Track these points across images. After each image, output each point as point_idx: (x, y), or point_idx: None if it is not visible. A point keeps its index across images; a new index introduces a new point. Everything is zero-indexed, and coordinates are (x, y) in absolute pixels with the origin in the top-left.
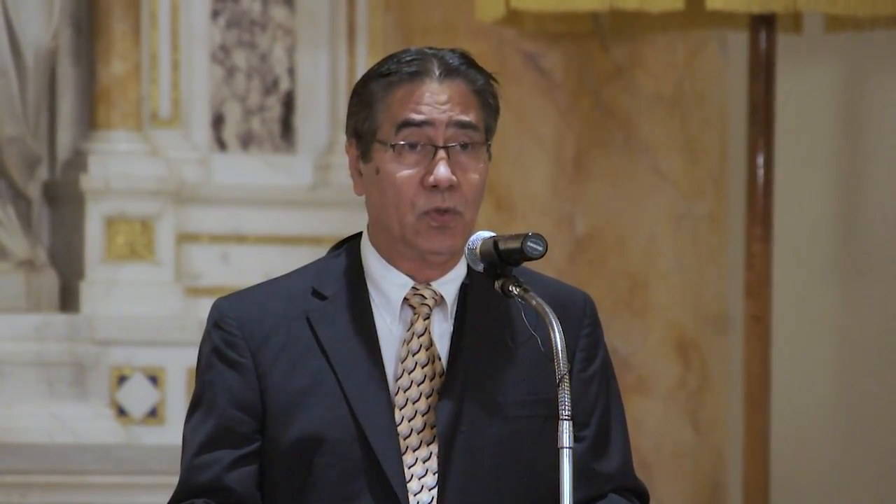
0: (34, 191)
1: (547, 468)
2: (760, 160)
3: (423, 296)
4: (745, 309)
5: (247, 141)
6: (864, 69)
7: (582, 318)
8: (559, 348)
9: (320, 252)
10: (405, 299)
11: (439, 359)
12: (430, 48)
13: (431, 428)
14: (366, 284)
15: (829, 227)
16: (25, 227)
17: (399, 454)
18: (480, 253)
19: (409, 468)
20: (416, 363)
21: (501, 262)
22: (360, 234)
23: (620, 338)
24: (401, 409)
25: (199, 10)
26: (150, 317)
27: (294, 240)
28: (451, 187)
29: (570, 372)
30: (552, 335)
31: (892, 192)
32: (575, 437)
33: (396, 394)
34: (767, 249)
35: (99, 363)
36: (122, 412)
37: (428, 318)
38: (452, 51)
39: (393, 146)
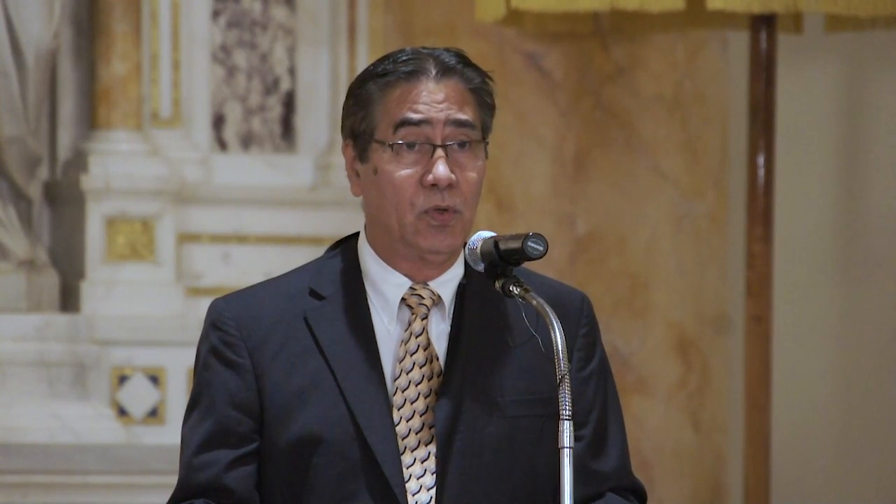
0: (35, 191)
1: (545, 468)
2: (761, 160)
3: (420, 296)
4: (745, 309)
5: (247, 141)
6: (864, 69)
7: (579, 318)
8: (560, 348)
9: (321, 252)
10: (403, 299)
11: (437, 359)
12: (426, 48)
13: (430, 428)
14: (363, 285)
15: (829, 227)
16: (26, 227)
17: (397, 454)
18: (481, 253)
19: (408, 468)
20: (414, 363)
21: (502, 261)
22: (357, 234)
23: (621, 338)
24: (399, 410)
25: (199, 10)
26: (150, 317)
27: (295, 240)
28: (450, 186)
29: (569, 371)
30: (553, 335)
31: (893, 192)
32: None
33: (394, 394)
34: (768, 250)
35: (100, 363)
36: (122, 412)
37: (426, 318)
38: (448, 50)
39: (391, 146)
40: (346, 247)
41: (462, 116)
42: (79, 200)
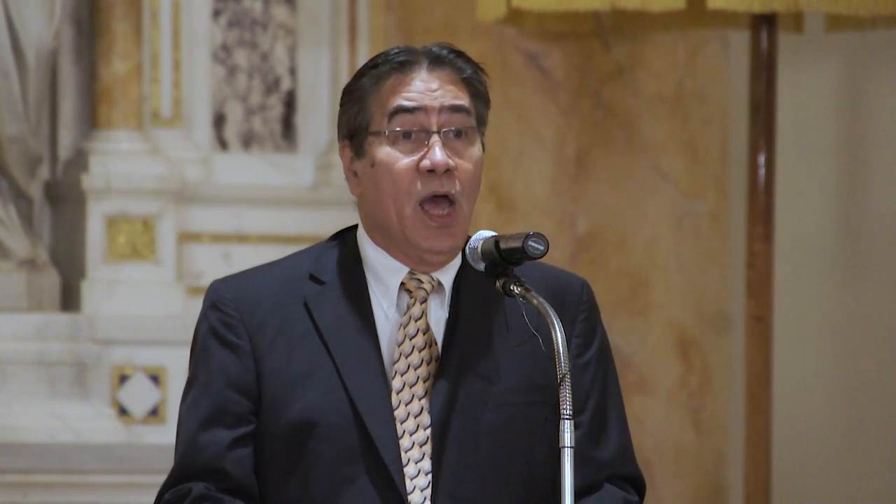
0: (35, 190)
1: (543, 454)
2: (762, 159)
3: (419, 280)
4: (746, 308)
5: (248, 140)
6: (865, 68)
7: (578, 304)
8: (561, 348)
9: None
10: (402, 284)
11: (436, 343)
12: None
13: (428, 412)
14: (363, 271)
15: (830, 226)
16: (27, 226)
17: (396, 438)
18: (481, 252)
19: (406, 452)
20: (414, 347)
21: (503, 261)
22: (356, 226)
23: (622, 337)
24: (398, 394)
25: (200, 10)
26: (151, 316)
27: (295, 239)
28: (448, 171)
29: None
30: (554, 335)
31: (893, 191)
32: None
33: (393, 378)
34: (769, 249)
35: (100, 363)
36: (123, 411)
37: (425, 301)
38: (439, 44)
39: (387, 134)
40: (345, 236)
41: (457, 102)
42: (79, 200)
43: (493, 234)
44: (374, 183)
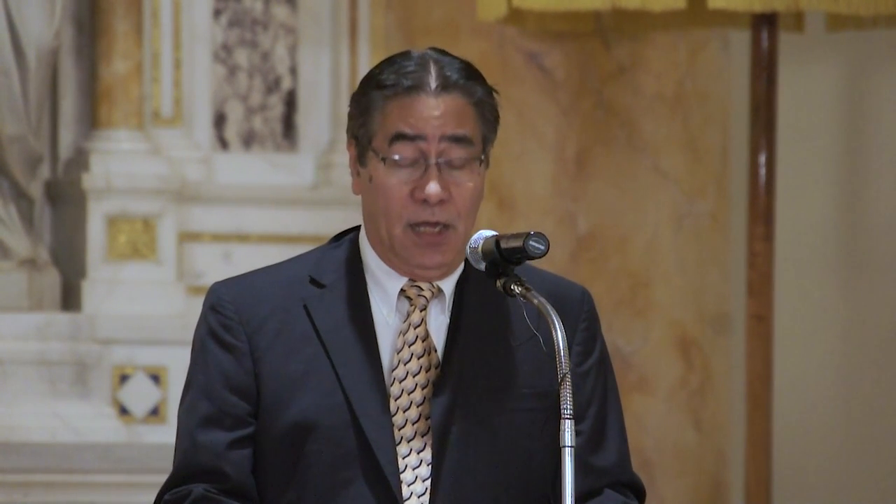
0: (36, 190)
1: (543, 461)
2: (762, 159)
3: (419, 287)
4: (746, 308)
5: (249, 140)
6: (866, 68)
7: (579, 313)
8: (561, 348)
9: None
10: (402, 290)
11: (435, 351)
12: (434, 51)
13: (426, 419)
14: (364, 275)
15: (831, 225)
16: (27, 226)
17: (393, 442)
18: (482, 252)
19: (404, 458)
20: (412, 354)
21: (503, 260)
22: (359, 227)
23: (622, 337)
24: (396, 400)
25: (200, 9)
26: (152, 316)
27: (296, 238)
28: (442, 202)
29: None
30: (554, 335)
31: (894, 190)
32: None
33: (392, 384)
34: (769, 248)
35: (101, 362)
36: (123, 411)
37: (424, 309)
38: (453, 59)
39: (385, 160)
40: (348, 238)
41: (458, 132)
42: (80, 199)
43: (494, 233)
44: (371, 197)
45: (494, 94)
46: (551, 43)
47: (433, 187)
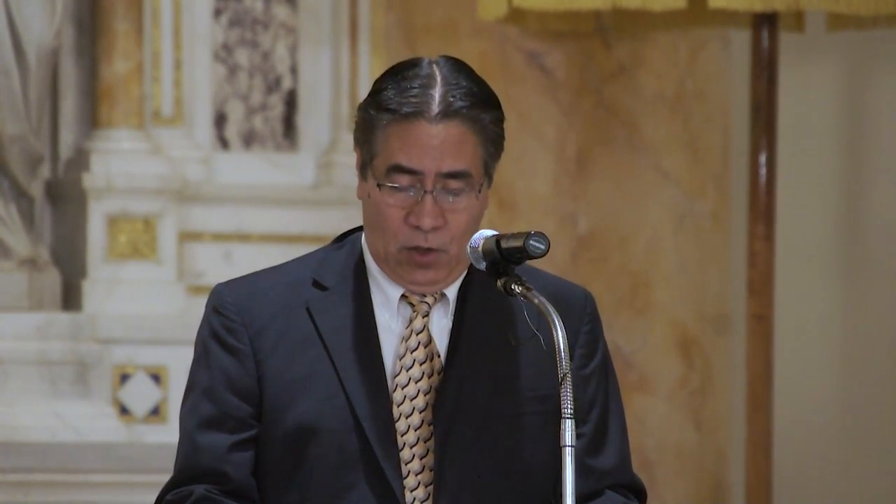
0: (37, 189)
1: (545, 464)
2: (763, 159)
3: (422, 293)
4: (747, 308)
5: (249, 139)
6: (866, 68)
7: (582, 315)
8: (561, 347)
9: None
10: (404, 296)
11: (438, 356)
12: (445, 62)
13: (429, 425)
14: (367, 278)
15: (831, 225)
16: (28, 225)
17: (395, 449)
18: (483, 251)
19: (407, 464)
20: (414, 360)
21: (504, 260)
22: (362, 227)
23: (623, 337)
24: (398, 406)
25: (201, 9)
26: (152, 315)
27: (297, 238)
28: (436, 228)
29: (570, 370)
30: (554, 334)
31: (895, 190)
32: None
33: (394, 391)
34: (770, 248)
35: (101, 362)
36: (124, 411)
37: (427, 315)
38: (461, 77)
39: (381, 187)
40: (350, 240)
41: (455, 168)
42: (80, 199)
43: (495, 233)
44: (368, 213)
45: (501, 118)
46: (552, 42)
47: (427, 218)
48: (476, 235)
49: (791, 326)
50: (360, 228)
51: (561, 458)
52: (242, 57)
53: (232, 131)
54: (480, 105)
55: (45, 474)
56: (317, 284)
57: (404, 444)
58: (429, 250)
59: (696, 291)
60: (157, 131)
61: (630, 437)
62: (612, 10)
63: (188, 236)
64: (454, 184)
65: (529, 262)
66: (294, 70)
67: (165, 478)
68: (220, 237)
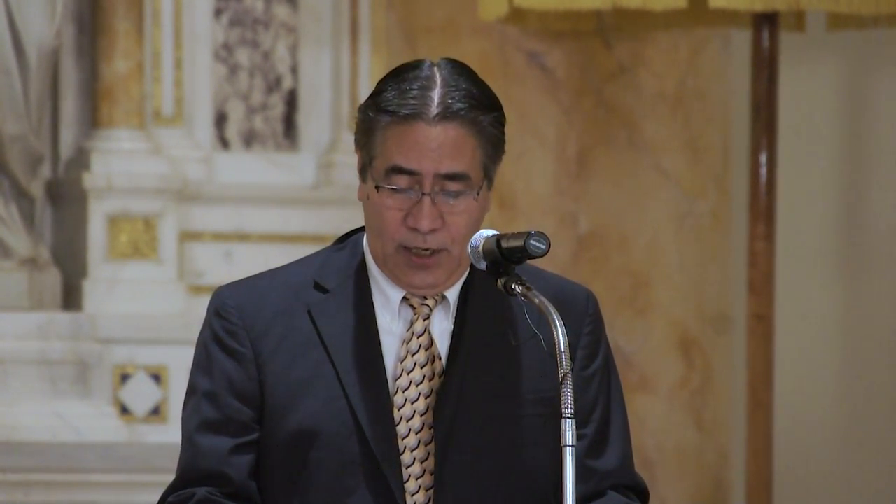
0: (37, 189)
1: (547, 467)
2: (763, 158)
3: (423, 296)
4: (747, 307)
5: (250, 139)
6: (866, 67)
7: (584, 316)
8: (562, 347)
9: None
10: (405, 298)
11: (439, 358)
12: (447, 64)
13: (430, 428)
14: (368, 280)
15: (832, 225)
16: (28, 225)
17: (397, 453)
18: (483, 251)
19: (407, 468)
20: (416, 363)
21: (504, 260)
22: (363, 228)
23: (623, 336)
24: (399, 409)
25: (201, 9)
26: (152, 315)
27: (297, 238)
28: (434, 230)
29: (572, 370)
30: (555, 333)
31: (895, 189)
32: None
33: (395, 394)
34: (770, 248)
35: (102, 361)
36: (124, 410)
37: (428, 318)
38: (461, 79)
39: (379, 189)
40: (352, 241)
41: (453, 169)
42: (81, 199)
43: (495, 232)
44: (368, 213)
45: (501, 120)
46: (552, 42)
47: (425, 219)
48: (476, 235)
49: (791, 326)
50: (361, 229)
51: (561, 459)
52: (243, 57)
53: (232, 131)
54: (479, 107)
55: (45, 474)
56: (318, 287)
57: (405, 447)
58: (428, 253)
59: (697, 291)
60: (157, 131)
61: (631, 437)
62: (612, 9)
63: (188, 236)
64: (452, 185)
65: (530, 262)
66: (294, 70)
67: (166, 478)
68: (220, 237)
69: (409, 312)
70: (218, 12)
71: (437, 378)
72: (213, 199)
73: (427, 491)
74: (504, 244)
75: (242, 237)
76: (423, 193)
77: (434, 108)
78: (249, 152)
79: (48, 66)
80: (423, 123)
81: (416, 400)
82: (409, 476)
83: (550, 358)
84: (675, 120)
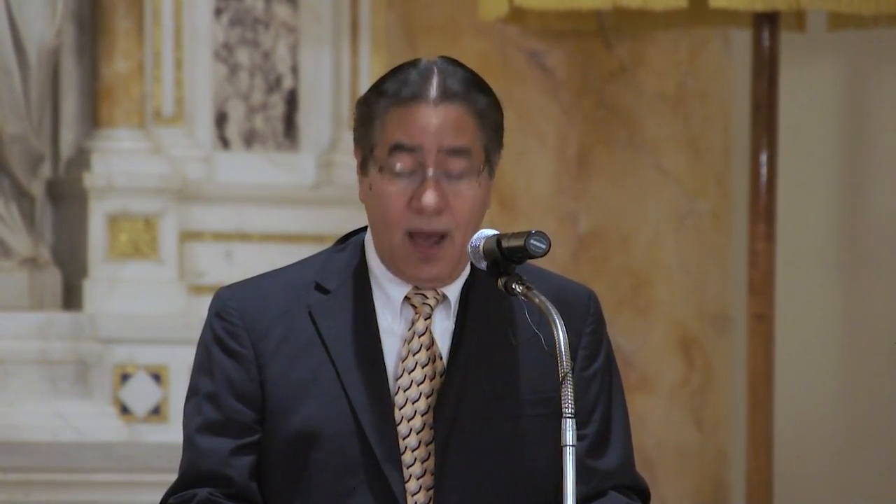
0: (37, 189)
1: (547, 467)
2: (763, 158)
3: (424, 295)
4: (748, 307)
5: (250, 139)
6: (867, 67)
7: (585, 316)
8: (562, 347)
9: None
10: (406, 297)
11: (440, 358)
12: (442, 59)
13: (431, 428)
14: (369, 281)
15: (832, 224)
16: (29, 225)
17: (398, 453)
18: (483, 251)
19: (408, 468)
20: (417, 363)
21: (505, 260)
22: (365, 228)
23: (623, 336)
24: (400, 409)
25: (202, 8)
26: (153, 315)
27: (298, 238)
28: (439, 211)
29: (573, 370)
30: (555, 333)
31: (895, 189)
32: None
33: (396, 393)
34: (771, 247)
35: (102, 361)
36: (125, 410)
37: (429, 317)
38: (458, 69)
39: (383, 169)
40: (353, 241)
41: (456, 144)
42: (81, 198)
43: (495, 232)
44: (371, 206)
45: (499, 106)
46: (552, 42)
47: (429, 197)
48: (477, 235)
49: (792, 325)
50: (362, 230)
51: (562, 459)
52: (243, 56)
53: (233, 131)
54: (477, 89)
55: (45, 474)
56: (319, 287)
57: (406, 447)
58: (434, 240)
59: (697, 291)
60: (157, 131)
61: (632, 437)
62: (612, 9)
63: (189, 236)
64: (456, 163)
65: (530, 262)
66: (295, 69)
67: (166, 477)
68: (220, 236)
69: (410, 312)
70: (218, 12)
71: (437, 377)
72: (214, 198)
73: (428, 491)
74: (504, 244)
75: (243, 237)
76: (427, 172)
77: (434, 91)
78: (250, 152)
79: (48, 65)
80: (424, 104)
81: (418, 399)
82: (410, 476)
83: (551, 358)
84: (675, 120)
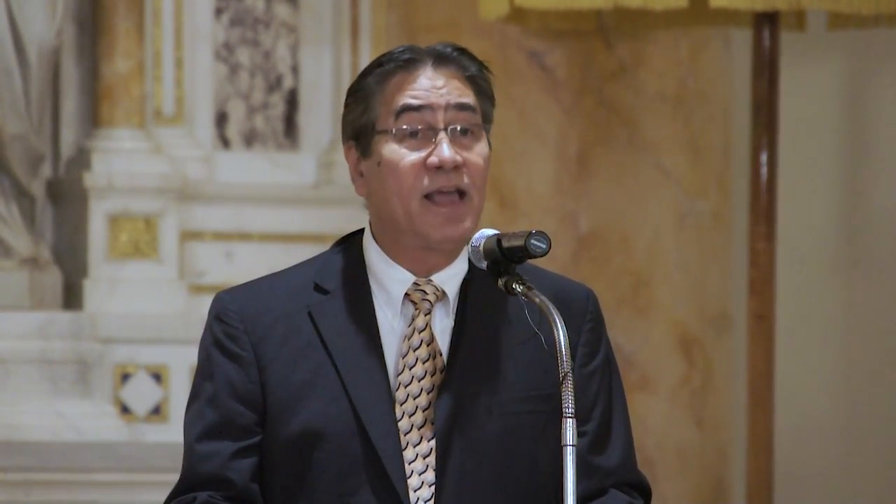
0: (38, 188)
1: (547, 464)
2: (764, 158)
3: (424, 291)
4: (748, 307)
5: (250, 139)
6: (867, 67)
7: (584, 314)
8: (562, 346)
9: (324, 249)
10: (406, 294)
11: (440, 354)
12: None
13: (432, 424)
14: (368, 280)
15: (832, 224)
16: (29, 224)
17: (399, 449)
18: (484, 251)
19: (410, 464)
20: (417, 358)
21: (505, 259)
22: (362, 230)
23: (624, 336)
24: (401, 405)
25: (202, 8)
26: (153, 314)
27: (298, 237)
28: (456, 167)
29: (572, 368)
30: (555, 333)
31: None
32: (577, 432)
33: (397, 389)
34: (771, 247)
35: (102, 361)
36: (125, 410)
37: (429, 313)
38: (443, 43)
39: (394, 132)
40: (351, 242)
41: (463, 100)
42: (82, 198)
43: (496, 232)
44: (380, 181)
45: (488, 79)
46: (553, 42)
47: (446, 151)
48: (477, 235)
49: (792, 325)
50: (361, 231)
51: (562, 457)
52: (243, 56)
53: (233, 130)
54: (467, 57)
55: (46, 473)
56: (318, 288)
57: (407, 443)
58: (454, 196)
59: (697, 291)
60: (158, 130)
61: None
62: (613, 9)
63: (189, 235)
64: (465, 116)
65: (530, 262)
66: (295, 69)
67: (166, 477)
68: (221, 236)
69: (410, 309)
70: (218, 12)
71: (438, 374)
72: (214, 198)
73: (430, 486)
74: (505, 244)
75: (243, 236)
76: (439, 129)
77: (430, 56)
78: (250, 152)
79: (49, 65)
80: (423, 66)
81: (419, 395)
82: (412, 472)
83: (551, 357)
84: (675, 119)
